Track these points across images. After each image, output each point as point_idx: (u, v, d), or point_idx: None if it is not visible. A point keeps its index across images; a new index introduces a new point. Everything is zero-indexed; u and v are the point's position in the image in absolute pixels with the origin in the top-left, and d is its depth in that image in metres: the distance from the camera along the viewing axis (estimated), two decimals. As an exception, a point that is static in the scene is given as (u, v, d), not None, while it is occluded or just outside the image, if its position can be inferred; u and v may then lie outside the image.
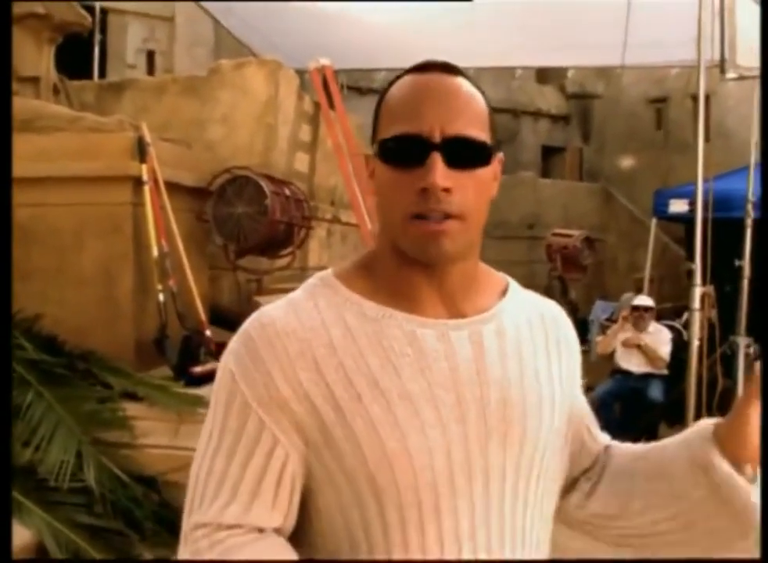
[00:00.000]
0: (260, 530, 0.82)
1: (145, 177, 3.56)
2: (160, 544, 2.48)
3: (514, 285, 0.98)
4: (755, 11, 3.43)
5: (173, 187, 3.86)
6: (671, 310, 7.56)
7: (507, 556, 0.86)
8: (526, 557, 0.88)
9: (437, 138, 0.80)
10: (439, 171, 0.79)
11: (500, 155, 0.87)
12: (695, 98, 4.06)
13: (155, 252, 3.54)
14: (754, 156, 4.12)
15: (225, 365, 0.86)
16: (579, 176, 12.49)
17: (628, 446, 1.00)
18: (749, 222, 4.03)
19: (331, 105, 5.75)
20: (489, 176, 0.85)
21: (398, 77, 0.87)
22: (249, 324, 0.86)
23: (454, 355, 0.85)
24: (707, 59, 3.80)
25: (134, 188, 3.65)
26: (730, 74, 4.02)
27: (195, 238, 4.19)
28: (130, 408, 2.92)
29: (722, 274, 4.41)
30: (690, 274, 2.82)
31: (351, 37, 6.98)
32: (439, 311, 0.87)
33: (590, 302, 8.04)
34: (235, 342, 0.86)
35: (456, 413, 0.83)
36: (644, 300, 5.49)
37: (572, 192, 11.24)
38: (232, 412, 0.83)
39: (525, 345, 0.91)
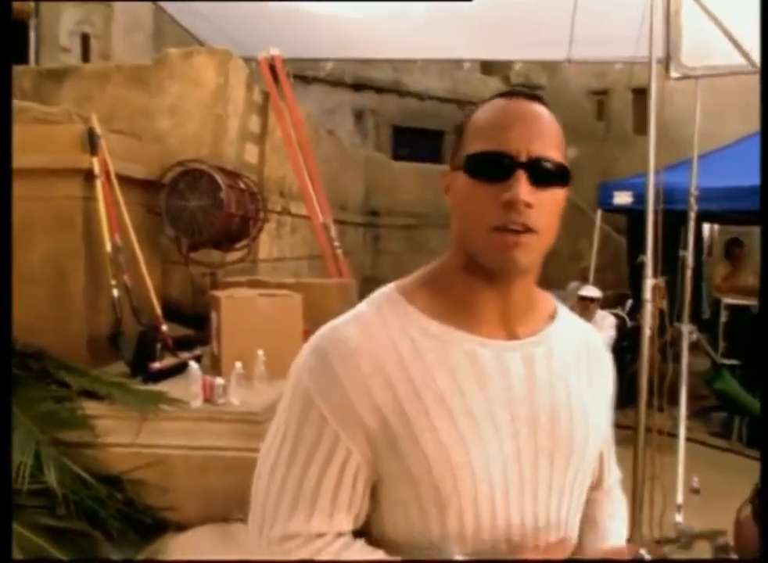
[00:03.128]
0: (342, 534, 0.89)
1: (96, 171, 3.47)
2: (126, 543, 2.46)
3: (561, 309, 1.04)
4: (699, 15, 3.57)
5: (124, 180, 3.77)
6: (613, 297, 7.84)
7: None
8: None
9: (523, 157, 0.87)
10: (523, 187, 0.86)
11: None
12: (636, 91, 4.21)
13: (108, 247, 3.47)
14: (696, 151, 4.28)
15: (299, 379, 0.90)
16: None
17: (601, 506, 1.09)
18: (692, 214, 4.19)
19: (281, 95, 5.70)
20: (563, 196, 0.91)
21: (485, 101, 0.95)
22: (322, 340, 0.91)
23: (509, 375, 0.91)
24: (647, 56, 3.96)
25: (85, 182, 3.56)
26: (675, 73, 4.16)
27: (147, 231, 4.11)
28: (90, 407, 2.87)
29: (665, 264, 4.57)
30: (641, 266, 2.93)
31: (297, 27, 6.93)
32: (496, 332, 0.93)
33: (536, 290, 8.23)
34: (308, 358, 0.91)
35: (510, 429, 0.90)
36: (591, 291, 5.67)
37: None
38: (307, 425, 0.88)
39: (570, 369, 0.97)
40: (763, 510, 2.24)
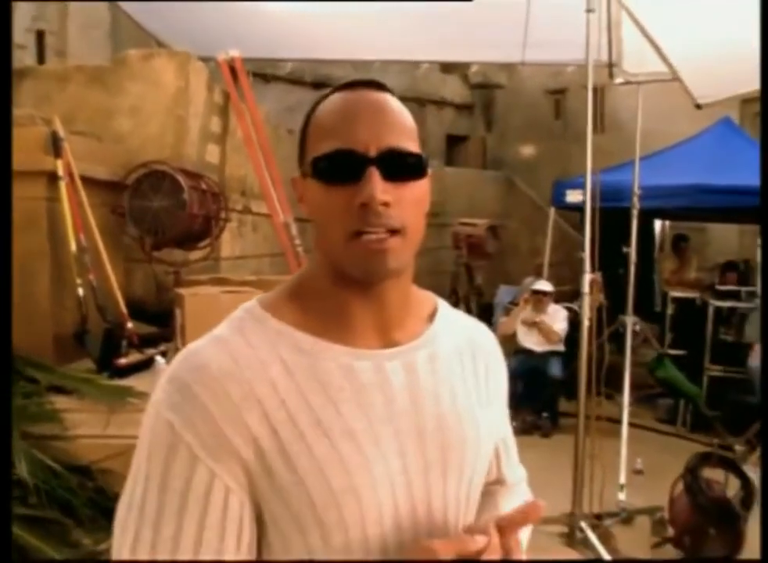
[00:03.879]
0: None
1: (60, 173, 3.56)
2: (97, 529, 2.57)
3: (442, 307, 0.98)
4: (634, 28, 3.83)
5: (87, 181, 3.85)
6: (569, 292, 8.10)
7: None
8: None
9: (372, 152, 0.79)
10: (378, 185, 0.78)
11: (429, 171, 0.86)
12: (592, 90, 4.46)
13: (73, 246, 3.56)
14: (638, 152, 4.53)
15: (158, 415, 0.78)
16: (483, 164, 12.79)
17: (500, 496, 1.01)
18: (635, 212, 4.44)
19: (241, 96, 5.80)
20: (424, 189, 0.84)
21: (324, 97, 0.86)
22: (180, 370, 0.79)
23: (390, 386, 0.84)
24: (596, 59, 4.20)
25: (49, 184, 3.64)
26: (618, 79, 4.44)
27: (110, 231, 4.19)
28: (59, 401, 2.96)
29: (615, 260, 4.81)
30: (580, 261, 3.13)
31: (256, 27, 7.03)
32: (373, 340, 0.86)
33: (494, 286, 8.45)
34: (166, 390, 0.79)
35: (395, 446, 0.82)
36: (543, 285, 5.91)
37: (476, 180, 11.41)
38: (175, 467, 0.75)
39: (455, 369, 0.91)
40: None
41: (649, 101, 8.97)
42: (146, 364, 3.42)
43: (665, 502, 3.61)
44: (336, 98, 0.84)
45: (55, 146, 3.59)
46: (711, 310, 6.12)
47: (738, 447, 4.73)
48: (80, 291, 3.56)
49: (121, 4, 8.37)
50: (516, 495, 1.03)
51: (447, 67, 12.73)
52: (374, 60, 8.76)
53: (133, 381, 3.22)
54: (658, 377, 5.45)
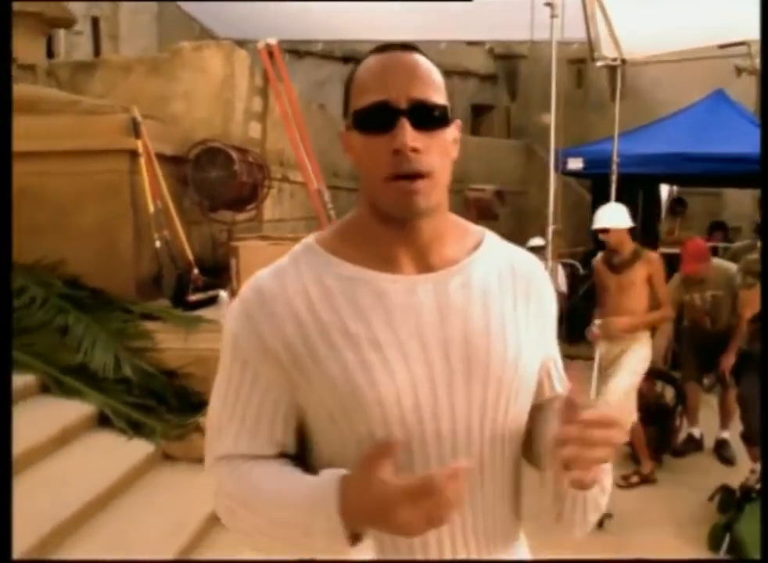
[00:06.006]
0: (265, 457, 0.97)
1: (140, 150, 4.48)
2: (179, 412, 3.55)
3: (490, 239, 1.05)
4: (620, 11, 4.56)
5: (157, 157, 4.77)
6: (581, 253, 8.85)
7: (475, 486, 0.95)
8: (495, 487, 0.97)
9: (403, 104, 0.89)
10: (408, 133, 0.88)
11: (457, 121, 0.97)
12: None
13: (151, 209, 4.49)
14: (617, 127, 5.29)
15: (228, 325, 0.98)
16: (507, 132, 13.09)
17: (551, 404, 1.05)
18: (614, 178, 5.23)
19: (278, 78, 6.59)
20: (449, 137, 0.95)
21: (363, 59, 0.96)
22: (245, 290, 0.97)
23: (420, 305, 0.94)
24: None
25: (130, 160, 4.57)
26: (599, 62, 5.23)
27: (175, 197, 5.12)
28: (148, 325, 3.95)
29: None
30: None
31: (288, 12, 7.81)
32: (410, 267, 0.97)
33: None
34: (235, 306, 0.98)
35: (421, 357, 0.93)
36: (536, 241, 6.64)
37: (498, 149, 11.71)
38: (236, 366, 0.96)
39: (491, 293, 0.99)
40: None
41: (666, 73, 9.49)
42: (208, 302, 4.37)
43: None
44: (372, 59, 0.95)
45: (135, 129, 4.50)
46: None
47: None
48: (157, 244, 4.50)
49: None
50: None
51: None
52: (397, 40, 9.45)
53: (201, 313, 4.18)
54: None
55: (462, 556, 0.96)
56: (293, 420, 0.96)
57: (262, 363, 0.94)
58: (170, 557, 2.63)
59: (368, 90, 0.91)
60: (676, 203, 8.41)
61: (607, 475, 0.95)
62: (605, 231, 3.83)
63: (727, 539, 3.08)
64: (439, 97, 0.92)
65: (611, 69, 5.48)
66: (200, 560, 2.56)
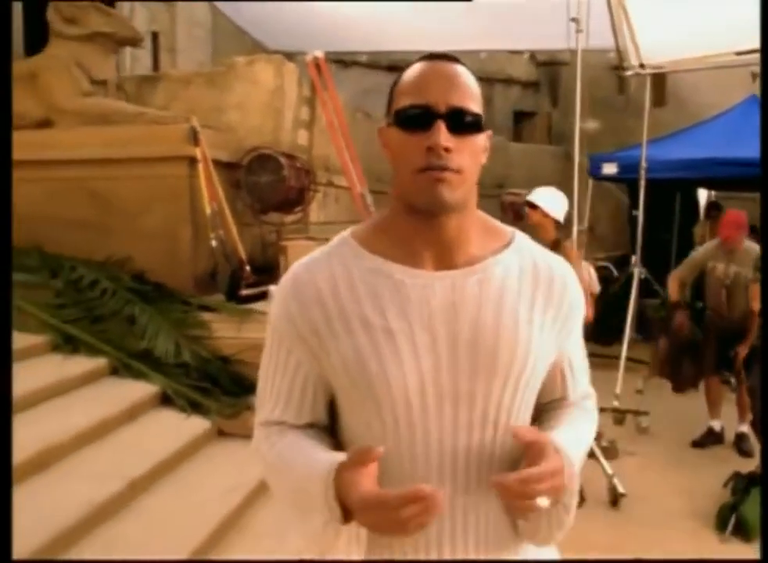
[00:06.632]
0: (297, 426, 1.08)
1: (199, 157, 4.90)
2: (232, 393, 3.93)
3: (519, 240, 1.10)
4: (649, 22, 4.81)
5: (213, 163, 5.19)
6: (618, 257, 9.02)
7: (473, 472, 1.01)
8: (493, 474, 0.98)
9: (442, 108, 0.97)
10: (443, 134, 0.95)
11: (489, 131, 1.04)
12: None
13: (208, 211, 4.91)
14: (645, 135, 5.51)
15: (271, 308, 1.09)
16: (549, 138, 13.19)
17: (563, 412, 1.13)
18: (642, 183, 5.46)
19: (324, 88, 6.96)
20: (480, 143, 1.02)
21: (409, 65, 1.04)
22: (284, 278, 1.08)
23: (435, 299, 1.01)
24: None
25: (189, 166, 4.99)
26: (629, 72, 5.48)
27: (230, 200, 5.53)
28: (205, 316, 4.36)
29: (659, 226, 5.63)
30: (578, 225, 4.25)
31: (335, 25, 8.21)
32: (432, 263, 1.03)
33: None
34: (276, 292, 1.10)
35: (430, 348, 0.99)
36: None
37: (538, 154, 11.80)
38: (274, 345, 1.09)
39: (508, 292, 1.03)
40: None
41: (705, 78, 9.56)
42: (259, 297, 4.77)
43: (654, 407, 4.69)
44: (418, 66, 1.02)
45: (194, 138, 4.92)
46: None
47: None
48: (213, 243, 4.92)
49: (219, 5, 9.75)
50: (577, 408, 1.14)
51: (514, 48, 13.43)
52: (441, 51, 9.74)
53: (252, 306, 4.57)
54: (659, 316, 6.39)
55: (469, 552, 1.02)
56: (323, 394, 1.07)
57: (294, 343, 1.05)
58: (225, 514, 3.00)
59: (411, 93, 0.99)
60: (712, 207, 8.53)
61: (571, 495, 1.00)
62: (534, 206, 3.80)
63: (733, 519, 3.31)
64: (474, 105, 1.00)
65: (653, 76, 5.71)
66: (211, 560, 2.74)
